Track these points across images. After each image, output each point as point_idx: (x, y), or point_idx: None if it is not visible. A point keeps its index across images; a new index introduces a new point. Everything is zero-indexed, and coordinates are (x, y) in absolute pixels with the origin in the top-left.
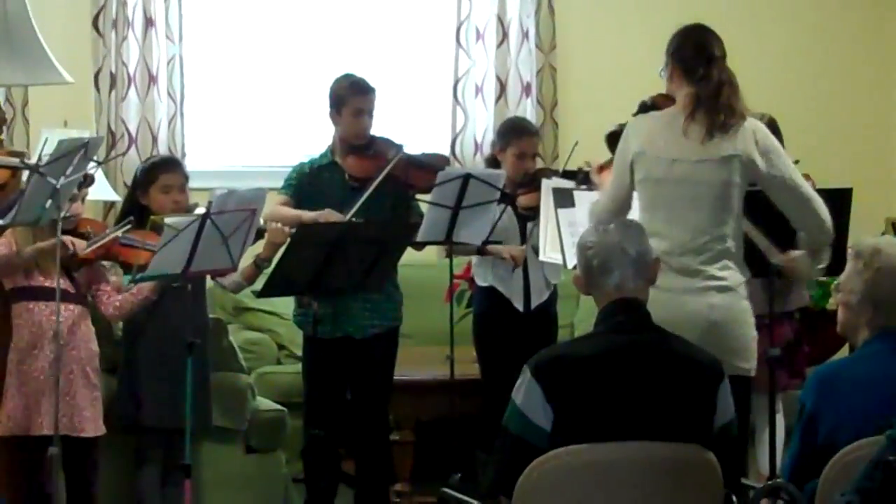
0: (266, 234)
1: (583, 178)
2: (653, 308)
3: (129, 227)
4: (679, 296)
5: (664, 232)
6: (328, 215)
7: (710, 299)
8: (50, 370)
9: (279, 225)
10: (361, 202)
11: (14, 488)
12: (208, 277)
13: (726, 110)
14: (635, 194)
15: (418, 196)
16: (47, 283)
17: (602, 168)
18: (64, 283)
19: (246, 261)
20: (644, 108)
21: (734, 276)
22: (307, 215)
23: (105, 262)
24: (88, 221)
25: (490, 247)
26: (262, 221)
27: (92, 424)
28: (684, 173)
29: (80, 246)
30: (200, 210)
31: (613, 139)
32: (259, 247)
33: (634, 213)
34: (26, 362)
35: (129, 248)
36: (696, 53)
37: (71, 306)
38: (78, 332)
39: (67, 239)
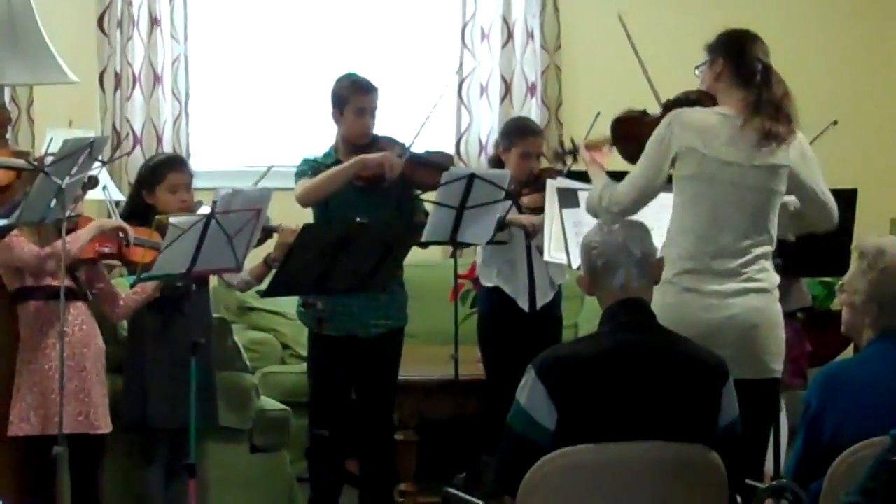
0: (277, 235)
1: (571, 150)
2: (694, 311)
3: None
4: (720, 299)
5: (707, 233)
6: (389, 157)
7: (751, 302)
8: (63, 368)
9: (291, 226)
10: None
11: (22, 488)
12: (213, 276)
13: (786, 120)
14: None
15: (423, 195)
16: (53, 283)
17: (589, 147)
18: (68, 282)
19: (254, 260)
20: (687, 101)
21: (771, 277)
22: (370, 156)
23: (110, 262)
24: (88, 220)
25: (509, 217)
26: (271, 220)
27: (104, 421)
28: (736, 177)
29: (132, 235)
30: (205, 209)
31: (621, 126)
32: (268, 247)
33: (652, 208)
34: (36, 362)
35: (135, 247)
36: (754, 58)
37: (77, 304)
38: (86, 330)
39: (126, 226)
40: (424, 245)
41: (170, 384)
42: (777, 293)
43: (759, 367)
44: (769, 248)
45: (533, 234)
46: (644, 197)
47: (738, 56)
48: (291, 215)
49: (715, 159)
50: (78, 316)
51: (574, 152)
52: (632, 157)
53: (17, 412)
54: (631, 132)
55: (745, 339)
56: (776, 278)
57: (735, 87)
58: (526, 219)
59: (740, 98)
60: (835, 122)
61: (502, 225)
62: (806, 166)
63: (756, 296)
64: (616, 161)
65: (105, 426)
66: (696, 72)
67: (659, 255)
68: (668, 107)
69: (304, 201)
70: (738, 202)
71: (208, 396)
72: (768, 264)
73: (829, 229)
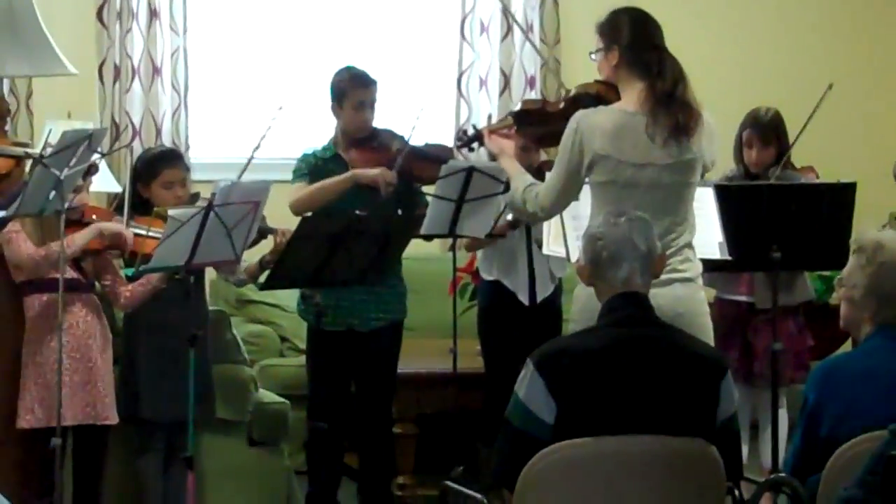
0: (275, 238)
1: (474, 136)
2: None
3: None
4: None
5: None
6: (384, 173)
7: (675, 291)
8: (67, 361)
9: (290, 231)
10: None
11: (27, 480)
12: (208, 269)
13: (683, 108)
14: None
15: (423, 188)
16: (58, 275)
17: (492, 133)
18: (74, 273)
19: (249, 259)
20: (587, 99)
21: (693, 266)
22: (364, 173)
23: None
24: (94, 210)
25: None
26: (273, 223)
27: (112, 412)
28: (652, 178)
29: (131, 241)
30: (202, 202)
31: (524, 117)
32: (263, 248)
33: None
34: (40, 354)
35: (136, 238)
36: (646, 45)
37: (83, 296)
38: (91, 322)
39: (128, 233)
40: (429, 238)
41: (166, 377)
42: (700, 281)
43: None
44: (689, 237)
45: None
46: (565, 200)
47: (632, 46)
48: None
49: (628, 164)
50: (82, 307)
51: (478, 138)
52: (540, 141)
53: (23, 404)
54: (534, 120)
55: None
56: (699, 267)
57: (634, 79)
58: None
59: (640, 89)
60: (830, 86)
61: (515, 224)
62: (711, 148)
63: (680, 285)
64: None
65: (112, 417)
66: (592, 57)
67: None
68: (570, 102)
69: (295, 211)
70: (656, 202)
71: (206, 389)
72: (691, 253)
73: None
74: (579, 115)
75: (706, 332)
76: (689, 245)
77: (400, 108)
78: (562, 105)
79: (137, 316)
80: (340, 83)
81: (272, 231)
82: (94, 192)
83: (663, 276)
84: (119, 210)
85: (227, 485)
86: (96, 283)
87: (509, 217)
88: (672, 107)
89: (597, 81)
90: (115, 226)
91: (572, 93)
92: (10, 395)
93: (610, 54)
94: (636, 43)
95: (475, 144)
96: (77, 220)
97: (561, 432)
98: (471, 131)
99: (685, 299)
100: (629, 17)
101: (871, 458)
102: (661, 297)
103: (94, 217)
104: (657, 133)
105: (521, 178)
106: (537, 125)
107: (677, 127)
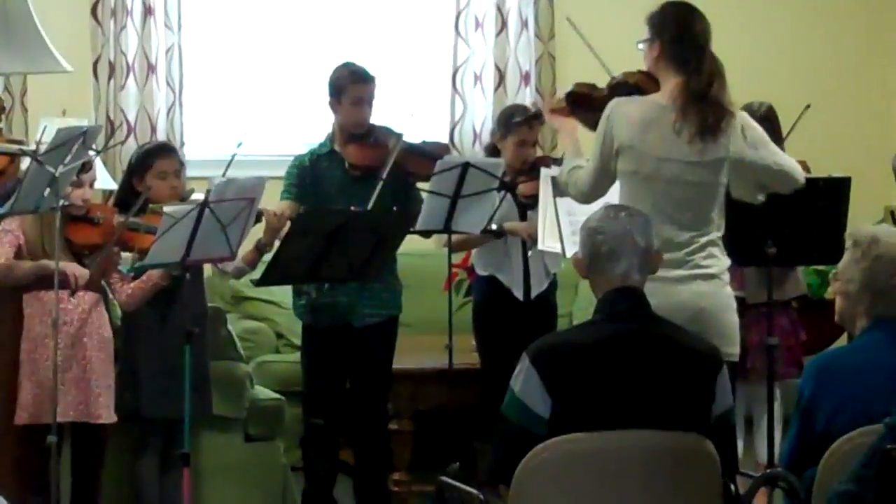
0: (264, 220)
1: (536, 114)
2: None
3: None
4: (669, 285)
5: None
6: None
7: (698, 287)
8: (61, 357)
9: (276, 213)
10: (377, 195)
11: (25, 477)
12: (207, 265)
13: (715, 107)
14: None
15: (419, 184)
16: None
17: (554, 111)
18: None
19: (247, 245)
20: (625, 87)
21: (718, 263)
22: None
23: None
24: (99, 207)
25: (507, 225)
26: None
27: (106, 411)
28: (674, 173)
29: (82, 279)
30: (197, 197)
31: (576, 101)
32: (259, 231)
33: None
34: (37, 351)
35: (136, 233)
36: (688, 41)
37: (81, 293)
38: (90, 320)
39: (70, 272)
40: (427, 234)
41: (163, 374)
42: (726, 277)
43: None
44: (716, 235)
45: (531, 246)
46: (601, 187)
47: (674, 40)
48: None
49: (652, 157)
50: (79, 305)
51: (539, 116)
52: (590, 125)
53: (20, 401)
54: (581, 104)
55: (693, 322)
56: (725, 263)
57: (672, 72)
58: (523, 228)
59: (676, 84)
60: (808, 106)
61: (500, 233)
62: (752, 148)
63: (703, 281)
64: None
65: (107, 416)
66: (639, 47)
67: None
68: (610, 90)
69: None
70: (679, 198)
71: (202, 385)
72: (716, 250)
73: (798, 188)
74: (613, 103)
75: (730, 329)
76: (715, 242)
77: (395, 104)
78: (605, 91)
79: (135, 314)
80: (339, 79)
81: (261, 213)
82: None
83: (685, 273)
84: (117, 206)
85: (223, 481)
86: (102, 282)
87: (493, 227)
88: (703, 105)
89: (639, 71)
90: (64, 265)
91: (614, 80)
92: (9, 392)
93: (653, 46)
94: (678, 38)
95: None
96: (82, 217)
97: (557, 427)
98: (534, 109)
99: (708, 295)
100: (675, 11)
101: (867, 452)
102: (682, 293)
103: (98, 214)
104: (684, 129)
105: (570, 158)
106: (585, 109)
107: (705, 126)
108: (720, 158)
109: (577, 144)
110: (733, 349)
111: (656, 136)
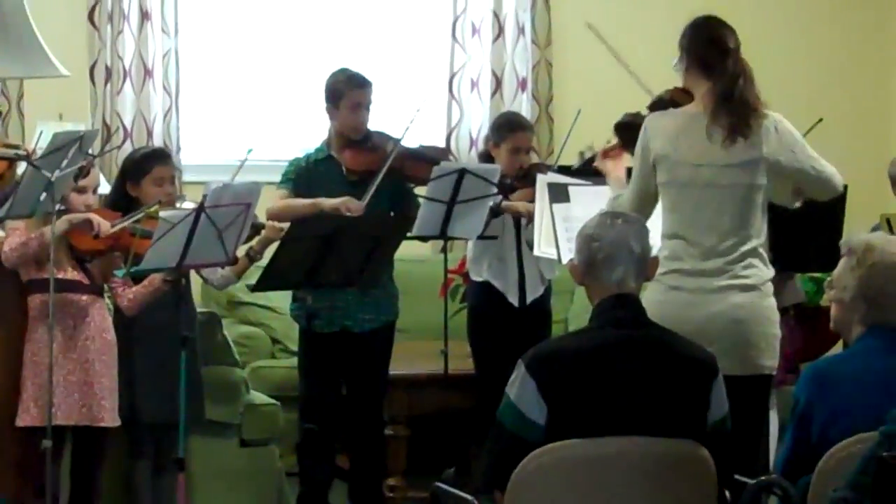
0: (263, 232)
1: (586, 163)
2: (679, 308)
3: (143, 214)
4: (703, 295)
5: (689, 236)
6: (348, 202)
7: (734, 298)
8: (64, 360)
9: (277, 224)
10: (370, 196)
11: (26, 479)
12: (193, 271)
13: (742, 105)
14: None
15: (416, 189)
16: (60, 275)
17: (606, 154)
18: (78, 275)
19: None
20: (661, 103)
21: (758, 273)
22: (327, 202)
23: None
24: (102, 213)
25: (504, 203)
26: (261, 218)
27: (109, 415)
28: (710, 178)
29: (105, 228)
30: (189, 203)
31: (624, 129)
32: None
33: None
34: (40, 353)
35: (133, 237)
36: (710, 46)
37: (84, 297)
38: (94, 323)
39: (95, 218)
40: (425, 239)
41: (157, 379)
42: (768, 288)
43: (745, 362)
44: (756, 243)
45: (529, 220)
46: (644, 204)
47: (697, 48)
48: None
49: (686, 164)
50: (83, 308)
51: (592, 160)
52: None
53: (21, 403)
54: (634, 133)
55: (730, 334)
56: (766, 274)
57: (701, 80)
58: (522, 205)
59: (705, 91)
60: (820, 120)
61: (497, 212)
62: (789, 151)
63: (741, 292)
64: None
65: (110, 419)
66: (675, 67)
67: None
68: (650, 108)
69: (268, 217)
70: (717, 203)
71: (195, 390)
72: (756, 260)
73: (836, 196)
74: (649, 118)
75: (770, 343)
76: (756, 252)
77: (392, 110)
78: (648, 114)
79: (128, 318)
80: (337, 84)
81: (263, 226)
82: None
83: (723, 283)
84: (108, 209)
85: (218, 486)
86: (106, 286)
87: (490, 203)
88: (730, 106)
89: (675, 87)
90: (83, 215)
91: (652, 100)
92: (13, 394)
93: (682, 60)
94: (700, 45)
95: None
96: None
97: (552, 433)
98: (588, 155)
99: (746, 306)
100: (697, 23)
101: (862, 459)
102: (721, 304)
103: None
104: (715, 132)
105: (615, 188)
106: (632, 137)
107: (734, 125)
108: (755, 159)
109: (618, 181)
110: (771, 362)
111: (689, 143)
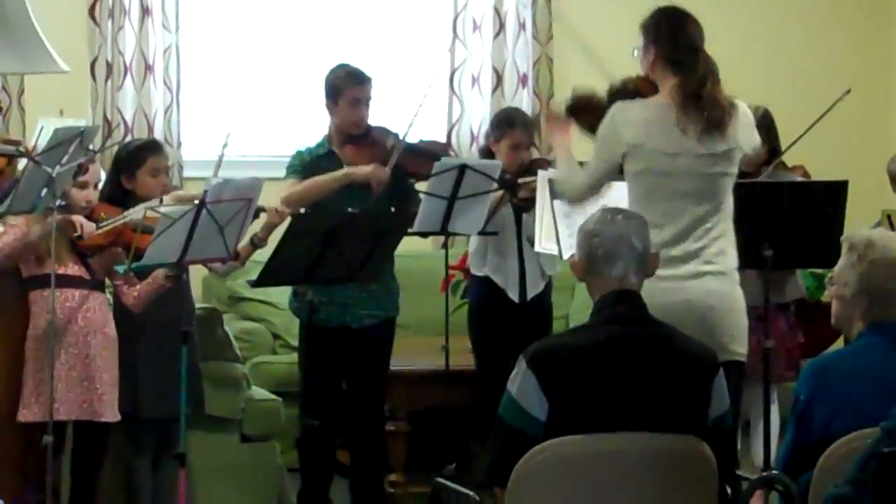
0: (265, 216)
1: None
2: (653, 295)
3: (144, 212)
4: (679, 282)
5: (663, 223)
6: (377, 170)
7: (708, 285)
8: (65, 356)
9: (279, 208)
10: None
11: (25, 475)
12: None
13: (710, 105)
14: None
15: (417, 185)
16: (61, 271)
17: (551, 118)
18: (79, 270)
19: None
20: (626, 93)
21: (727, 260)
22: (359, 171)
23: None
24: (103, 207)
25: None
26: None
27: (110, 410)
28: (687, 167)
29: (89, 229)
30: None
31: (577, 106)
32: (255, 226)
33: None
34: (41, 349)
35: (135, 233)
36: (681, 43)
37: (85, 292)
38: (95, 319)
39: (78, 219)
40: (425, 235)
41: (157, 374)
42: (736, 276)
43: (720, 349)
44: (726, 227)
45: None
46: (597, 189)
47: (667, 42)
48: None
49: (661, 153)
50: (83, 303)
51: (530, 125)
52: (591, 130)
53: (22, 399)
54: (582, 110)
55: (703, 321)
56: (734, 262)
57: (668, 75)
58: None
59: (673, 85)
60: (848, 91)
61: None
62: (750, 135)
63: (712, 278)
64: None
65: (110, 415)
66: (635, 53)
67: None
68: (611, 94)
69: (286, 205)
70: (690, 192)
71: (194, 384)
72: (726, 245)
73: None
74: (616, 107)
75: (740, 329)
76: (725, 236)
77: (392, 106)
78: (605, 97)
79: (128, 314)
80: (336, 80)
81: (263, 209)
82: None
83: (695, 269)
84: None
85: (218, 482)
86: (109, 281)
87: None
88: (700, 104)
89: (637, 76)
90: (68, 216)
91: (614, 86)
92: (12, 390)
93: (648, 51)
94: (671, 41)
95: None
96: (86, 218)
97: (553, 429)
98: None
99: (718, 293)
100: (667, 16)
101: (863, 455)
102: (693, 291)
103: (102, 215)
104: (690, 127)
105: (564, 163)
106: (585, 115)
107: (709, 123)
108: (731, 149)
109: (570, 153)
110: (742, 349)
111: (662, 132)
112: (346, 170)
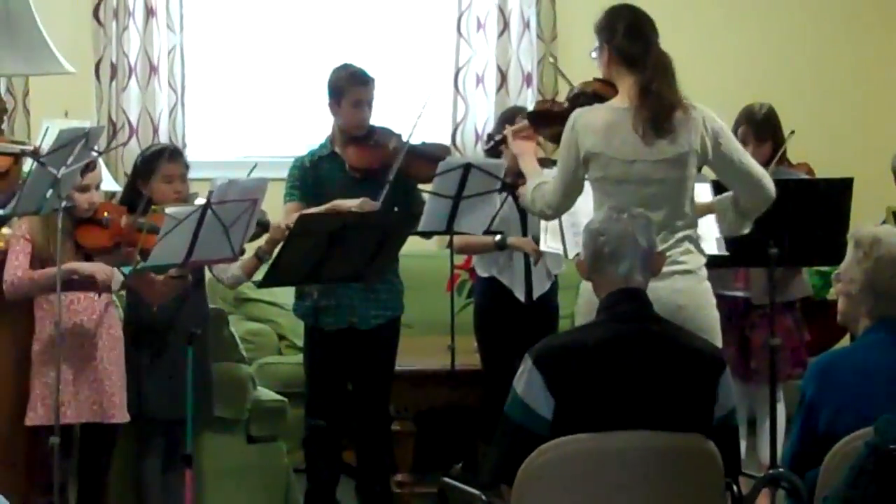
0: (270, 232)
1: (496, 144)
2: None
3: (148, 213)
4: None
5: None
6: (364, 205)
7: (675, 284)
8: (72, 358)
9: (282, 224)
10: (385, 195)
11: (34, 477)
12: (206, 269)
13: (658, 101)
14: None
15: (420, 186)
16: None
17: (517, 134)
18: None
19: (247, 253)
20: (585, 98)
21: (695, 259)
22: (346, 204)
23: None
24: (107, 207)
25: (511, 240)
26: (267, 215)
27: (120, 411)
28: (644, 173)
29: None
30: (200, 201)
31: (539, 117)
32: (259, 241)
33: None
34: (48, 352)
35: (140, 233)
36: (634, 40)
37: (91, 293)
38: (101, 320)
39: (100, 275)
40: (428, 235)
41: (165, 375)
42: (703, 273)
43: None
44: (691, 230)
45: (536, 261)
46: (569, 198)
47: (621, 42)
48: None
49: (618, 161)
50: (88, 306)
51: (503, 142)
52: (555, 140)
53: (30, 402)
54: (545, 120)
55: (674, 320)
56: (701, 259)
57: (624, 73)
58: (526, 243)
59: (630, 84)
60: (792, 132)
61: (503, 246)
62: (713, 139)
63: (680, 277)
64: None
65: (120, 416)
66: (592, 55)
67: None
68: (571, 101)
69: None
70: (650, 197)
71: (204, 387)
72: (692, 246)
73: (768, 205)
74: (575, 114)
75: (711, 325)
76: (690, 237)
77: (397, 106)
78: (566, 105)
79: (139, 316)
80: (338, 81)
81: (268, 226)
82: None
83: (664, 269)
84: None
85: (225, 483)
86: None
87: (497, 238)
88: (648, 100)
89: (595, 79)
90: (89, 267)
91: (573, 92)
92: (20, 393)
93: (604, 52)
94: (625, 39)
95: (502, 148)
96: (90, 220)
97: (559, 428)
98: (497, 137)
99: (686, 291)
100: (620, 15)
101: (850, 471)
102: (661, 290)
103: (105, 214)
104: (639, 126)
105: (533, 178)
106: (549, 125)
107: (658, 125)
108: (684, 153)
109: (536, 165)
110: (716, 343)
111: (621, 140)
112: (333, 203)
